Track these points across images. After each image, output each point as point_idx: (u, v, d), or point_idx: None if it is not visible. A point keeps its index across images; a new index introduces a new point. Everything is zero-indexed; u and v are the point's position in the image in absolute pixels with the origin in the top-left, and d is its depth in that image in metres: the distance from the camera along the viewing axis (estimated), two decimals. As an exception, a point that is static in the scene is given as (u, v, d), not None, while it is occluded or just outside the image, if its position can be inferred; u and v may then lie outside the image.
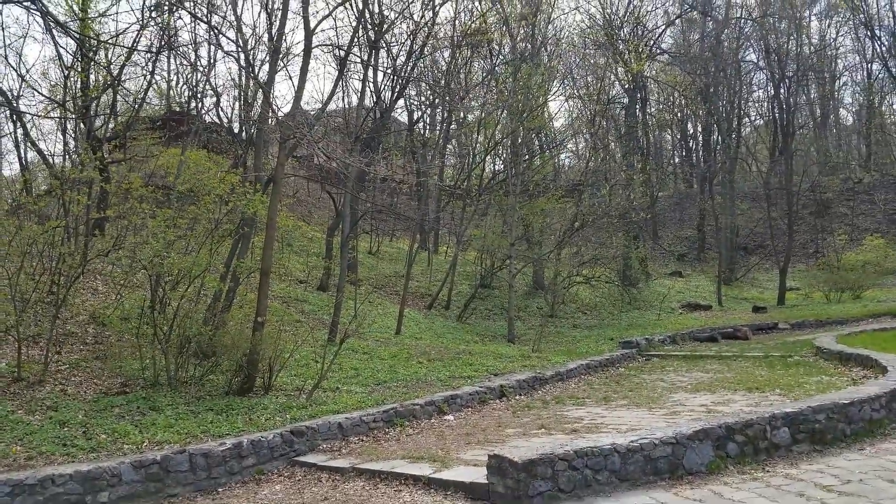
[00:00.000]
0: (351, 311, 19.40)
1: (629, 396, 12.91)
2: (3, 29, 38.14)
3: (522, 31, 30.56)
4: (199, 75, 27.21)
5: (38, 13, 15.96)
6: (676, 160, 61.59)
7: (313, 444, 10.00)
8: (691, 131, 55.81)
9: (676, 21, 44.52)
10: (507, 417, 11.64)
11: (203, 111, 28.65)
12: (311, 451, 9.89)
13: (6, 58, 25.67)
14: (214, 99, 30.79)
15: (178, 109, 32.34)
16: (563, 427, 10.38)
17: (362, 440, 10.39)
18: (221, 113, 29.86)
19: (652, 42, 41.09)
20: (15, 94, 22.75)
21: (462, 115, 33.58)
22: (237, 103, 29.56)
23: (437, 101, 34.80)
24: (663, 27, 42.96)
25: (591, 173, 28.80)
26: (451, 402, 12.23)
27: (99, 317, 14.47)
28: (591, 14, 39.07)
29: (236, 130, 29.89)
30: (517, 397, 13.31)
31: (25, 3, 15.36)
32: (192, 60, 25.78)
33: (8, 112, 24.12)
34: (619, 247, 26.29)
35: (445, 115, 34.83)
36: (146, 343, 12.38)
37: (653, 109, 50.79)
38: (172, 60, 30.97)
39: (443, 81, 31.11)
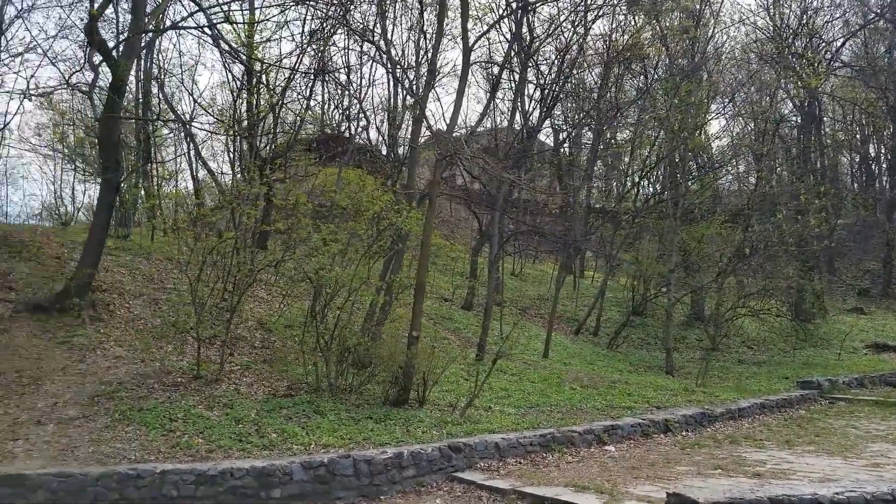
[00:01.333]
0: (496, 331, 19.52)
1: (816, 442, 11.78)
2: (180, 55, 43.16)
3: (681, 46, 29.53)
4: (352, 99, 29.00)
5: (211, 38, 17.94)
6: (856, 185, 56.28)
7: (470, 462, 10.06)
8: (873, 154, 50.79)
9: (859, 32, 40.98)
10: (675, 454, 11.05)
11: (355, 133, 30.44)
12: (468, 468, 9.96)
13: (182, 82, 28.88)
14: (364, 122, 32.65)
15: (329, 132, 34.57)
16: (744, 470, 9.66)
17: (519, 462, 10.31)
18: (371, 135, 31.58)
19: (830, 55, 38.08)
20: (189, 117, 25.49)
21: (611, 135, 32.95)
22: (384, 125, 31.09)
23: (585, 120, 34.42)
24: (843, 39, 39.70)
25: (758, 197, 26.99)
26: (611, 433, 11.84)
27: (265, 323, 15.68)
28: (758, 26, 36.77)
29: (384, 152, 31.41)
30: (683, 433, 12.62)
31: (201, 29, 17.26)
32: (345, 84, 27.54)
33: (183, 133, 27.01)
34: (793, 278, 24.31)
35: (594, 134, 34.35)
36: (308, 350, 13.18)
37: (827, 129, 46.91)
38: (325, 87, 33.30)
39: (592, 98, 30.72)
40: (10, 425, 9.78)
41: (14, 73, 26.50)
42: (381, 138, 32.45)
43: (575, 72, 26.64)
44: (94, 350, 12.70)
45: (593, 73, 31.36)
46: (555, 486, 8.97)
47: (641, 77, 32.46)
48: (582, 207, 31.32)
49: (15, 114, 37.99)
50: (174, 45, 51.08)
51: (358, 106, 27.98)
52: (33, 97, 23.41)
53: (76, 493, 8.21)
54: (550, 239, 32.94)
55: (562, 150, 37.40)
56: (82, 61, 19.43)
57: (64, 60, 35.23)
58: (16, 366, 11.75)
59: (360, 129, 29.81)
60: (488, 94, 28.77)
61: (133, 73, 18.70)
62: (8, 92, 21.63)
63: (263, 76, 22.63)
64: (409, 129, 27.55)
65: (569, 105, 34.56)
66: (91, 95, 20.03)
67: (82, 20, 18.15)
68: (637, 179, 29.86)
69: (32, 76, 45.22)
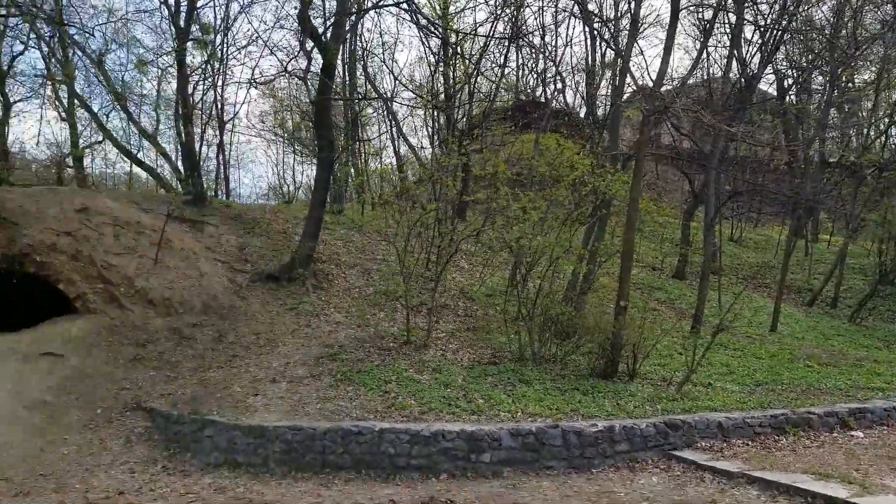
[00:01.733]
0: (713, 301, 18.17)
1: None
2: (381, 35, 45.56)
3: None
4: (547, 62, 28.47)
5: (408, 14, 18.52)
6: None
7: (689, 440, 9.48)
8: None
9: None
10: (945, 445, 9.45)
11: (551, 97, 29.94)
12: (686, 447, 9.40)
13: (383, 61, 30.35)
14: (560, 85, 31.96)
15: (525, 98, 34.35)
16: None
17: (747, 444, 9.50)
18: (568, 98, 30.80)
19: None
20: (390, 94, 26.79)
21: (847, 77, 28.73)
22: (581, 86, 30.11)
23: (815, 62, 30.37)
24: None
25: None
26: (858, 416, 10.45)
27: (467, 292, 16.14)
28: None
29: (582, 115, 30.51)
30: (956, 422, 10.74)
31: (399, 5, 17.85)
32: (540, 47, 27.07)
33: (385, 111, 28.47)
34: None
35: (827, 78, 30.21)
36: (510, 319, 13.30)
37: None
38: (519, 53, 33.07)
39: (824, 37, 26.94)
40: (251, 382, 11.15)
41: (241, 64, 29.86)
42: (578, 100, 31.56)
43: (802, 7, 23.52)
44: (318, 316, 14.01)
45: (823, 9, 27.50)
46: (791, 472, 8.12)
47: (889, 6, 27.78)
48: (814, 162, 27.88)
49: (242, 103, 43.12)
50: (375, 26, 54.09)
51: (554, 68, 27.44)
52: (258, 86, 26.29)
53: (307, 445, 9.11)
54: (776, 199, 29.86)
55: (787, 98, 33.51)
56: (297, 49, 21.34)
57: (281, 49, 39.00)
58: (253, 329, 13.36)
59: (556, 93, 29.24)
60: (699, 41, 26.60)
61: (339, 57, 20.02)
62: (237, 82, 24.46)
63: (459, 47, 23.10)
64: (610, 88, 26.45)
65: (795, 47, 30.74)
66: (305, 80, 21.96)
67: (295, 8, 19.80)
68: (884, 127, 25.78)
69: (256, 66, 50.82)
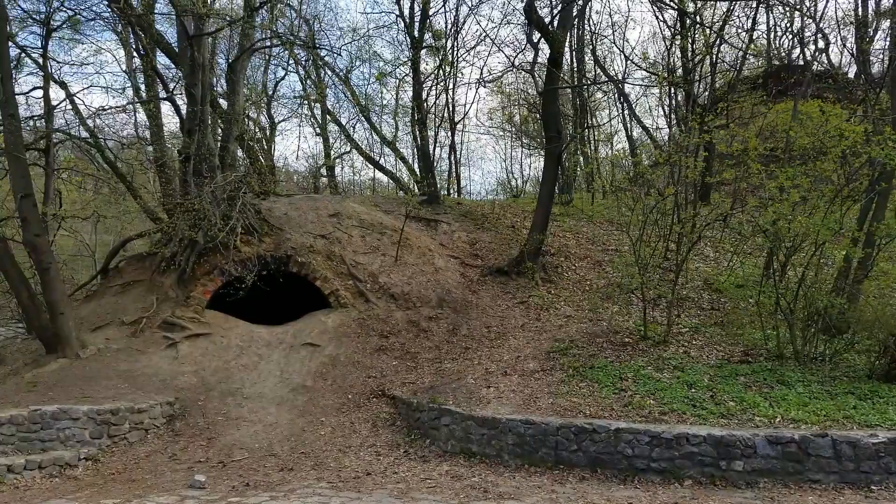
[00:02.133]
0: None
1: None
2: (610, 15, 44.27)
3: None
4: (805, 19, 25.31)
5: None
6: None
7: None
8: None
9: None
10: None
11: (812, 58, 26.59)
12: None
13: (613, 42, 29.38)
14: (823, 43, 28.26)
15: (778, 63, 30.96)
16: None
17: None
18: (833, 57, 27.10)
19: None
20: (621, 76, 25.84)
21: None
22: (850, 41, 26.24)
23: None
24: None
25: None
26: None
27: (713, 283, 14.95)
28: None
29: (852, 75, 26.64)
30: None
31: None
32: (796, 3, 24.13)
33: (616, 94, 27.54)
34: None
35: None
36: (766, 313, 12.02)
37: None
38: (770, 13, 29.86)
39: None
40: (483, 374, 11.47)
41: (470, 65, 31.09)
42: (846, 59, 27.63)
43: None
44: (547, 309, 13.99)
45: None
46: None
47: None
48: None
49: (472, 102, 44.91)
50: (604, 7, 52.85)
51: (813, 25, 24.29)
52: (486, 84, 27.15)
53: (539, 439, 9.10)
54: None
55: None
56: (523, 43, 21.64)
57: (507, 45, 39.90)
58: (484, 322, 13.75)
59: (817, 53, 25.89)
60: None
61: (567, 44, 19.84)
62: (466, 83, 25.55)
63: (698, 16, 21.50)
64: (889, 40, 22.73)
65: None
66: (532, 73, 22.14)
67: (521, 2, 20.07)
68: None
69: (484, 65, 52.54)
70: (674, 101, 24.60)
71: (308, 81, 26.99)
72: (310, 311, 14.51)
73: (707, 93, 23.89)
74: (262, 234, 14.79)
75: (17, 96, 13.39)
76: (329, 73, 25.73)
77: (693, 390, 10.06)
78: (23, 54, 16.50)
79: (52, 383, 11.11)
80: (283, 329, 13.84)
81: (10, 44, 13.62)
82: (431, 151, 22.21)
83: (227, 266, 13.87)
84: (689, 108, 20.32)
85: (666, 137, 24.14)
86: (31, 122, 16.77)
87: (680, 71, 21.60)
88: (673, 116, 25.74)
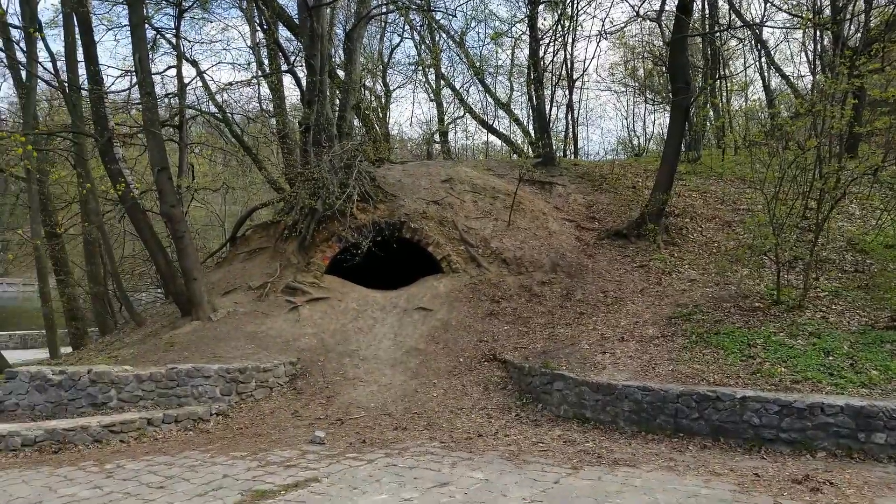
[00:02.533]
0: None
1: None
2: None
3: None
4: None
5: None
6: None
7: None
8: None
9: None
10: None
11: None
12: None
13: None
14: None
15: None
16: None
17: None
18: None
19: None
20: (760, 20, 24.00)
21: None
22: None
23: None
24: None
25: None
26: None
27: (858, 243, 13.79)
28: None
29: None
30: None
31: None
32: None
33: (753, 40, 25.66)
34: None
35: None
36: (921, 275, 10.98)
37: None
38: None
39: None
40: (599, 340, 11.30)
41: (591, 17, 30.02)
42: None
43: None
44: (669, 273, 13.50)
45: None
46: None
47: None
48: None
49: (591, 58, 43.23)
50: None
51: None
52: (608, 36, 26.20)
53: (657, 406, 8.90)
54: None
55: None
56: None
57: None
58: (600, 287, 13.50)
59: None
60: None
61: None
62: (587, 37, 24.70)
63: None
64: None
65: None
66: (659, 22, 21.06)
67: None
68: None
69: (606, 16, 50.65)
70: (819, 46, 22.67)
71: (423, 46, 27.26)
72: (422, 276, 14.87)
73: (859, 34, 21.76)
74: (377, 200, 15.27)
75: (153, 75, 14.42)
76: (444, 36, 25.82)
77: (830, 358, 9.41)
78: (158, 35, 17.73)
79: (186, 344, 12.15)
80: (396, 294, 14.30)
81: (146, 26, 14.69)
82: (547, 111, 21.79)
83: (343, 233, 14.47)
84: (838, 52, 18.64)
85: (809, 86, 22.30)
86: (166, 100, 18.08)
87: (828, 11, 19.81)
88: (818, 62, 23.75)
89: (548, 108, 22.21)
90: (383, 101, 26.87)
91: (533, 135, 21.23)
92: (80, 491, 7.06)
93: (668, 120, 17.19)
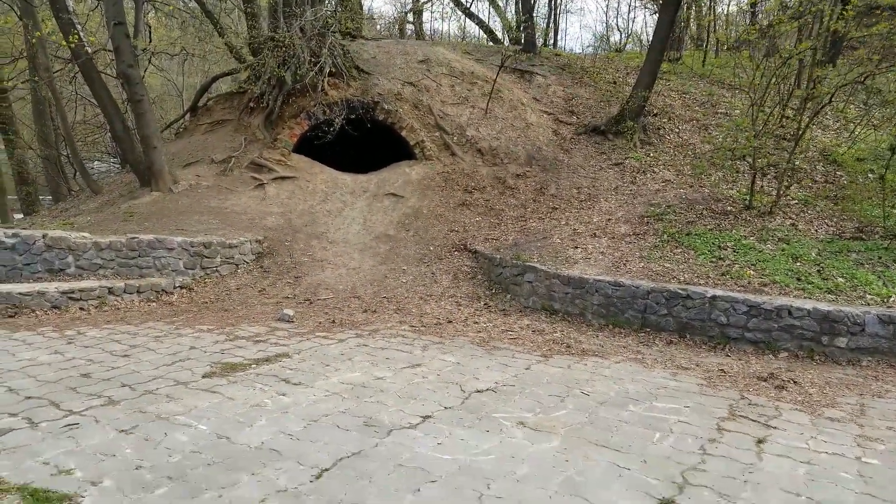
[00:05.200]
0: None
1: None
2: None
3: None
4: None
5: None
6: None
7: None
8: None
9: None
10: None
11: None
12: None
13: None
14: None
15: None
16: None
17: None
18: None
19: None
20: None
21: None
22: None
23: None
24: None
25: None
26: None
27: (830, 154, 13.83)
28: None
29: None
30: None
31: None
32: None
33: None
34: None
35: None
36: (890, 190, 11.07)
37: None
38: None
39: None
40: (571, 235, 11.23)
41: None
42: None
43: None
44: (644, 172, 13.38)
45: None
46: None
47: None
48: None
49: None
50: None
51: None
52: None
53: (627, 301, 8.97)
54: None
55: None
56: None
57: None
58: (575, 183, 13.33)
59: None
60: None
61: None
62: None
63: None
64: None
65: None
66: None
67: None
68: None
69: None
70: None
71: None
72: (393, 161, 14.43)
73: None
74: (350, 77, 14.50)
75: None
76: None
77: (798, 264, 9.55)
78: None
79: (147, 214, 11.66)
80: (366, 178, 13.89)
81: None
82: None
83: (314, 109, 13.79)
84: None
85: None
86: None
87: None
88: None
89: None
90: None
91: (513, 21, 20.28)
92: (40, 356, 6.81)
93: (649, 19, 16.57)
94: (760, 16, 22.26)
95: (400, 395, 5.95)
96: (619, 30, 29.88)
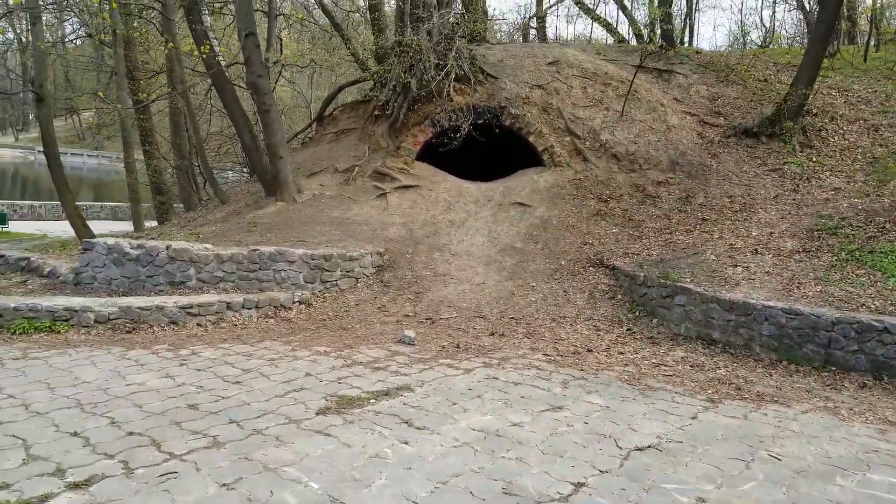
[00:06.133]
0: None
1: None
2: None
3: None
4: None
5: None
6: None
7: None
8: None
9: None
10: None
11: None
12: None
13: None
14: None
15: None
16: None
17: None
18: None
19: None
20: None
21: None
22: None
23: None
24: None
25: None
26: None
27: None
28: None
29: None
30: None
31: None
32: None
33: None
34: None
35: None
36: None
37: None
38: None
39: None
40: (727, 251, 9.57)
41: None
42: None
43: None
44: (808, 179, 11.43)
45: None
46: None
47: None
48: None
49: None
50: None
51: None
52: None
53: (806, 333, 7.30)
54: None
55: None
56: None
57: None
58: (726, 191, 11.58)
59: None
60: None
61: None
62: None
63: None
64: None
65: None
66: None
67: None
68: None
69: None
70: None
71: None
72: (520, 168, 13.24)
73: None
74: (476, 81, 13.46)
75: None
76: None
77: None
78: None
79: (270, 225, 11.15)
80: (491, 186, 12.79)
81: None
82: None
83: (438, 116, 12.87)
84: None
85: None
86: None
87: None
88: None
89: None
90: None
91: (648, 18, 18.52)
92: (150, 379, 6.18)
93: (787, 16, 14.40)
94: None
95: (543, 449, 4.76)
96: (762, 26, 27.01)
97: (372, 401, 5.73)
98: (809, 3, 24.06)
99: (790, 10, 26.90)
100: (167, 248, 8.93)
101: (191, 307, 8.12)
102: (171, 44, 12.69)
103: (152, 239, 10.11)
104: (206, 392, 5.86)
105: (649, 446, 4.94)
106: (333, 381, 6.28)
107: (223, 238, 10.46)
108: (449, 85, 12.83)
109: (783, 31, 25.32)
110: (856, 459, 4.91)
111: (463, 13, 14.47)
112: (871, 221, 9.69)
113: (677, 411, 5.80)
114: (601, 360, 7.38)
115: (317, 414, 5.36)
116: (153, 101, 15.23)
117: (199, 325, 8.16)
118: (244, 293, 8.93)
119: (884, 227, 9.55)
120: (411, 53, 12.69)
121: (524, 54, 14.51)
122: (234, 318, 8.44)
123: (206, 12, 13.59)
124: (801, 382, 6.89)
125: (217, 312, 8.35)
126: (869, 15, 17.42)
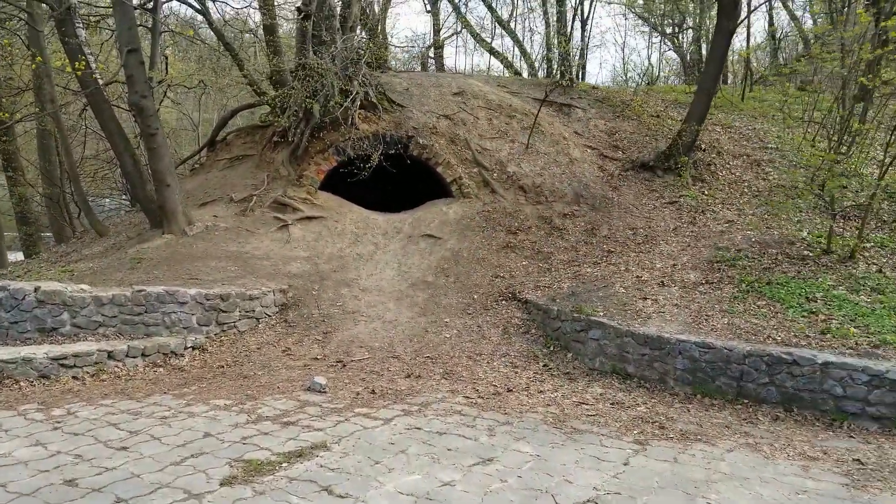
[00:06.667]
0: None
1: None
2: None
3: None
4: None
5: None
6: None
7: None
8: None
9: None
10: None
11: None
12: None
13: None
14: None
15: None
16: None
17: None
18: None
19: None
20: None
21: None
22: None
23: None
24: None
25: None
26: None
27: (894, 193, 12.29)
28: None
29: None
30: None
31: None
32: None
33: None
34: None
35: None
36: None
37: None
38: None
39: None
40: (635, 283, 9.65)
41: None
42: None
43: None
44: (703, 212, 11.85)
45: None
46: None
47: None
48: None
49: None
50: None
51: None
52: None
53: (718, 367, 7.36)
54: None
55: None
56: None
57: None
58: (628, 223, 11.79)
59: None
60: None
61: None
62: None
63: None
64: None
65: None
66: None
67: None
68: None
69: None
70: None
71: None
72: (429, 199, 12.93)
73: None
74: (383, 109, 13.05)
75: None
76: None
77: (904, 319, 7.94)
78: None
79: (157, 261, 10.14)
80: (400, 217, 12.39)
81: None
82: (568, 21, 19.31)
83: (343, 144, 12.34)
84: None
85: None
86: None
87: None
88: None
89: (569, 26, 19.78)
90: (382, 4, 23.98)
91: (537, 55, 18.97)
92: (15, 449, 5.25)
93: (671, 54, 15.19)
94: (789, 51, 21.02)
95: (480, 514, 4.35)
96: (650, 65, 28.46)
97: (284, 464, 5.11)
98: (684, 45, 25.65)
99: (668, 51, 28.55)
100: (35, 290, 7.82)
101: (65, 357, 7.09)
102: (39, 58, 11.42)
103: (18, 277, 8.89)
104: (87, 462, 5.01)
105: (588, 501, 4.65)
106: (237, 441, 5.59)
107: (102, 276, 9.37)
108: (355, 112, 12.36)
109: (660, 73, 26.80)
110: (788, 502, 4.84)
111: (368, 38, 14.09)
112: (764, 253, 10.10)
113: (608, 457, 5.57)
114: (523, 401, 7.09)
115: (221, 485, 4.68)
116: (17, 122, 13.66)
117: (75, 378, 7.13)
118: (128, 339, 7.96)
119: (776, 258, 9.98)
120: (315, 77, 12.11)
121: (429, 84, 14.33)
122: (116, 369, 7.46)
123: (81, 25, 12.41)
124: (718, 417, 6.89)
125: (97, 363, 7.35)
126: (745, 58, 18.69)
